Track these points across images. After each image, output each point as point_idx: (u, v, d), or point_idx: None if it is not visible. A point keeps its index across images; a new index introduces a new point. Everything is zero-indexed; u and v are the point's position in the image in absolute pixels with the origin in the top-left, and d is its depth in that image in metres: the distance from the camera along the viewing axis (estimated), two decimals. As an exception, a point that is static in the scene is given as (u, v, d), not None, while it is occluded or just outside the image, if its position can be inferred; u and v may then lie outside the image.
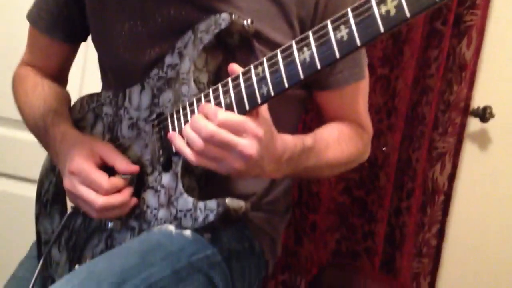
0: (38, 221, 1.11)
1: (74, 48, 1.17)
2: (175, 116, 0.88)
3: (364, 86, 1.07)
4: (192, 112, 0.85)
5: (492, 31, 1.60)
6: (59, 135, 1.01)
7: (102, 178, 0.91)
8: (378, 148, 1.61)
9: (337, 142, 0.97)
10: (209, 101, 0.82)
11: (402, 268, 1.65)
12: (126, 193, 0.91)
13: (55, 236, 1.01)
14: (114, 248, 0.92)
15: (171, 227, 0.87)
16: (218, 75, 0.91)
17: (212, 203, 0.82)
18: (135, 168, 0.93)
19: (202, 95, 0.84)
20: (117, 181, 0.91)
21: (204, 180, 0.92)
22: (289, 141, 0.84)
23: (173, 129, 0.88)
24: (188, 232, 0.86)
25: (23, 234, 1.25)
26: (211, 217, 0.82)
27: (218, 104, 0.81)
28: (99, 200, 0.89)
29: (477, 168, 1.69)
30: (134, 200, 0.93)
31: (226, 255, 0.91)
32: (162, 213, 0.89)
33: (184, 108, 0.87)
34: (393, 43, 1.57)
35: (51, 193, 1.08)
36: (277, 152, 0.81)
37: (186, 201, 0.86)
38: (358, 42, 0.68)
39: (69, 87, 1.21)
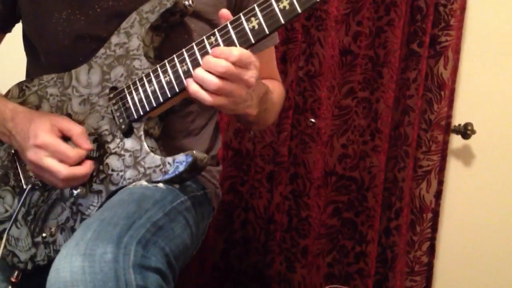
0: None
1: (1, 38, 1.21)
2: (132, 87, 0.99)
3: (273, 50, 1.25)
4: (150, 82, 0.96)
5: (468, 50, 1.64)
6: (9, 113, 1.04)
7: (68, 149, 0.97)
8: (365, 169, 1.63)
9: (272, 90, 1.14)
10: (174, 65, 0.94)
11: (396, 288, 1.66)
12: (88, 164, 0.99)
13: (15, 214, 1.07)
14: (103, 205, 0.99)
15: (145, 183, 0.97)
16: (161, 50, 1.03)
17: (180, 156, 0.94)
18: (89, 146, 1.00)
19: (166, 63, 0.95)
20: (81, 152, 0.98)
21: (162, 142, 1.04)
22: (260, 81, 0.99)
23: (132, 99, 0.98)
24: (161, 185, 0.97)
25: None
26: (181, 167, 0.94)
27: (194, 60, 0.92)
28: (65, 171, 0.96)
29: (463, 183, 1.71)
30: (92, 168, 1.01)
31: (192, 201, 1.03)
32: (129, 173, 0.99)
33: (141, 80, 0.98)
34: (372, 67, 1.60)
35: None
36: (259, 87, 0.97)
37: (154, 158, 0.97)
38: (299, 10, 0.85)
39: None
